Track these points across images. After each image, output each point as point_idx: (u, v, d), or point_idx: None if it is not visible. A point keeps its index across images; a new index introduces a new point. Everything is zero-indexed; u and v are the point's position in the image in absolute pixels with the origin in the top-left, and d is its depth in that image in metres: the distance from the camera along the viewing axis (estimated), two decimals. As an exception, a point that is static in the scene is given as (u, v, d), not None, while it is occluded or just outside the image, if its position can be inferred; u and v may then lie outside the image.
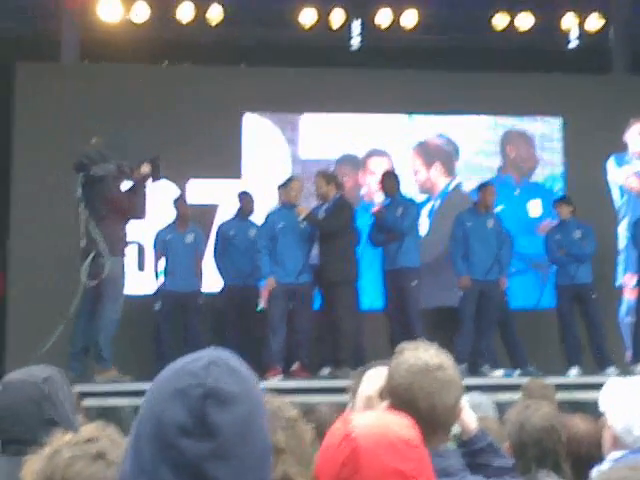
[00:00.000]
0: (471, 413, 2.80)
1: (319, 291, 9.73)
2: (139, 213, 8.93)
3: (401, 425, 1.96)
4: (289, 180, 9.89)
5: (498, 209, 10.66)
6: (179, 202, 10.16)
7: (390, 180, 10.10)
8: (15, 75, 10.78)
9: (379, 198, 10.56)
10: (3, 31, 10.85)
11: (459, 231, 10.04)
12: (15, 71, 10.79)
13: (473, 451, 2.76)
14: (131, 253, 9.14)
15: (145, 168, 8.88)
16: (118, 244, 8.70)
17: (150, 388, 1.52)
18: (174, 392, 1.46)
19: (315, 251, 9.58)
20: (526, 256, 11.13)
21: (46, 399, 3.12)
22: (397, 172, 10.46)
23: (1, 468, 3.03)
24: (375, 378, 2.80)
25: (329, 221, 9.47)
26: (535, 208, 11.44)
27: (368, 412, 2.40)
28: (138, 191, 8.86)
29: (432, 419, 2.50)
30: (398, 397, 2.53)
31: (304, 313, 9.52)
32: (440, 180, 11.47)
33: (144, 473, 1.45)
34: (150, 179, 8.96)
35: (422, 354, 2.63)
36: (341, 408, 6.61)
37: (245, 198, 10.21)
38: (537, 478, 3.48)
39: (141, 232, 9.61)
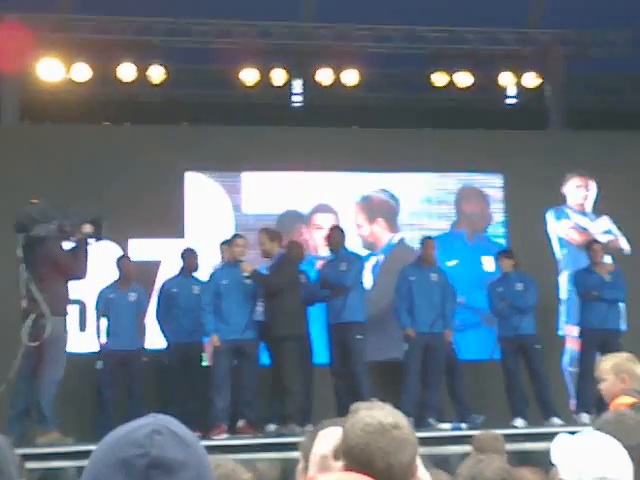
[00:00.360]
0: (425, 470, 2.80)
1: (266, 347, 9.70)
2: (80, 273, 8.83)
3: (364, 487, 1.96)
4: (233, 237, 9.89)
5: (452, 263, 10.79)
6: (122, 261, 10.11)
7: (336, 235, 10.15)
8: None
9: (324, 253, 10.60)
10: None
11: (403, 285, 10.12)
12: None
13: (428, 509, 2.75)
14: (73, 313, 9.04)
15: (87, 228, 8.81)
16: (60, 304, 8.60)
17: (92, 457, 1.48)
18: (117, 462, 1.42)
19: (261, 307, 9.56)
20: (480, 310, 11.21)
21: (-8, 466, 3.05)
22: (343, 227, 10.55)
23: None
24: (329, 437, 2.78)
25: (273, 278, 9.47)
26: (489, 263, 11.54)
27: (331, 473, 2.39)
28: (80, 251, 8.77)
29: (389, 478, 2.50)
30: (354, 457, 2.53)
31: (249, 369, 9.48)
32: (383, 235, 11.56)
33: None
34: (92, 239, 8.88)
35: (377, 413, 2.62)
36: (286, 465, 6.58)
37: (189, 255, 10.19)
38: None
39: (83, 291, 9.52)
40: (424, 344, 9.91)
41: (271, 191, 11.31)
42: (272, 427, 9.31)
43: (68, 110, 11.05)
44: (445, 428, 9.61)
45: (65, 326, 8.65)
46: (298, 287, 9.59)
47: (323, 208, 11.44)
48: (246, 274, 9.42)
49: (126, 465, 1.41)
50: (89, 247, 8.86)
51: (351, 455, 2.56)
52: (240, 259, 9.53)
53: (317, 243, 11.11)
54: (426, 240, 10.42)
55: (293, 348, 9.36)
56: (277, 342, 9.39)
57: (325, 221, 11.23)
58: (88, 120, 11.34)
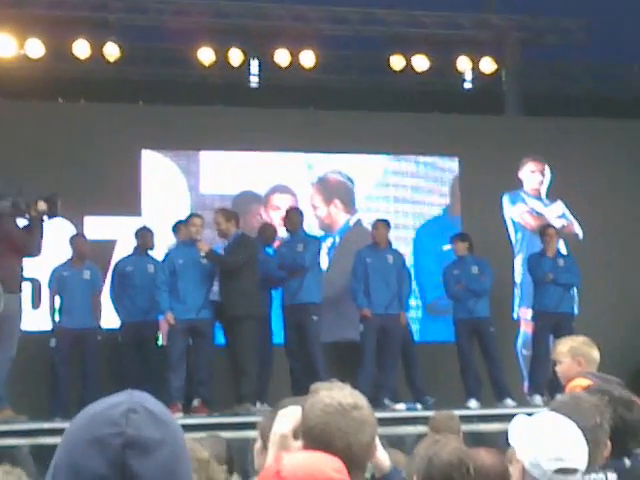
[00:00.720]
0: (384, 451, 2.82)
1: (221, 327, 9.71)
2: (34, 251, 8.78)
3: (332, 467, 2.00)
4: (190, 216, 9.87)
5: (447, 248, 10.83)
6: (75, 239, 10.05)
7: (294, 216, 10.17)
8: None
9: (283, 233, 10.59)
10: None
11: (359, 266, 10.17)
12: None
13: (387, 488, 2.78)
14: (26, 290, 8.98)
15: (41, 205, 8.74)
16: (13, 281, 8.54)
17: (67, 433, 1.45)
18: (92, 441, 1.40)
19: (216, 287, 9.56)
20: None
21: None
22: (301, 208, 10.57)
23: None
24: (289, 417, 2.79)
25: (230, 257, 9.47)
26: None
27: (297, 452, 2.41)
28: (34, 229, 8.72)
29: (348, 458, 2.51)
30: (314, 437, 2.54)
31: (205, 349, 9.49)
32: (340, 216, 11.60)
33: None
34: (47, 216, 8.82)
35: (336, 394, 2.63)
36: (239, 444, 6.59)
37: (144, 233, 10.14)
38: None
39: (37, 269, 9.45)
40: (380, 325, 9.97)
41: (228, 171, 11.29)
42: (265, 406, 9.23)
43: (21, 86, 10.91)
44: (400, 409, 9.71)
45: (19, 304, 8.60)
46: (255, 267, 9.60)
47: (281, 189, 11.45)
48: (202, 254, 9.41)
49: (100, 444, 1.39)
50: (44, 224, 8.81)
51: (310, 435, 2.58)
52: (197, 238, 9.51)
53: (275, 224, 11.11)
54: (377, 223, 10.47)
55: (249, 328, 9.38)
56: (233, 322, 9.40)
57: (283, 202, 11.25)
58: (42, 97, 11.21)
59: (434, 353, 10.94)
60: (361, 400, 2.65)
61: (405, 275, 10.34)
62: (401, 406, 9.78)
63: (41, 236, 8.73)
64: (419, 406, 9.84)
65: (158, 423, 1.44)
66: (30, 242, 8.64)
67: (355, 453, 2.56)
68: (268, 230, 10.47)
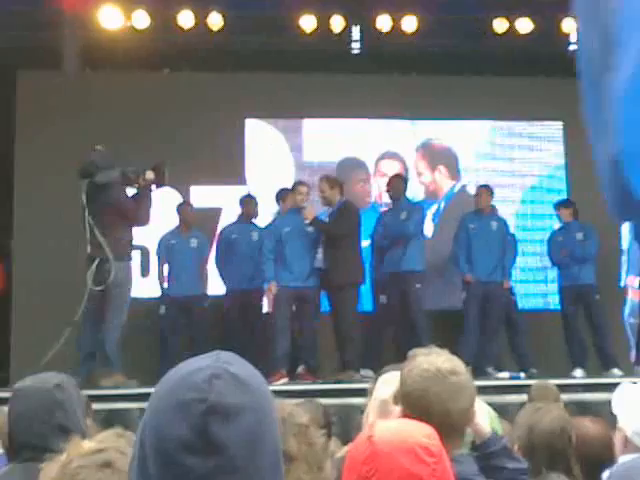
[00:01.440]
0: (484, 417, 2.83)
1: (326, 294, 9.76)
2: (144, 220, 8.95)
3: (422, 433, 2.03)
4: (296, 184, 9.91)
5: None
6: (182, 207, 10.22)
7: (397, 183, 10.13)
8: (16, 83, 10.82)
9: (387, 200, 10.55)
10: (5, 40, 10.87)
11: (463, 233, 10.12)
12: (16, 79, 10.83)
13: (487, 454, 2.79)
14: (136, 258, 9.19)
15: (149, 175, 8.90)
16: (124, 249, 8.73)
17: (152, 396, 1.48)
18: (175, 405, 1.41)
19: (320, 255, 9.60)
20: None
21: (58, 406, 3.16)
22: (406, 175, 10.54)
23: (18, 474, 3.07)
24: (389, 382, 2.82)
25: (335, 225, 9.49)
26: None
27: (390, 420, 2.44)
28: (143, 198, 8.88)
29: (446, 424, 2.53)
30: (412, 402, 2.56)
31: (310, 316, 9.55)
32: (445, 182, 11.52)
33: None
34: (154, 186, 8.99)
35: (435, 359, 2.65)
36: (342, 410, 6.62)
37: (248, 201, 10.25)
38: (548, 480, 3.50)
39: (145, 237, 9.65)
40: (482, 292, 9.90)
41: (330, 138, 11.30)
42: (369, 372, 9.26)
43: (128, 57, 11.10)
44: (503, 377, 9.64)
45: (129, 271, 8.80)
46: (358, 235, 9.61)
47: (389, 155, 11.41)
48: (307, 221, 9.45)
49: (183, 408, 1.41)
50: (152, 193, 8.97)
51: (409, 400, 2.60)
52: (303, 206, 9.55)
53: (382, 190, 11.05)
54: (480, 189, 10.37)
55: (353, 295, 9.41)
56: (337, 289, 9.44)
57: (391, 168, 11.21)
58: (148, 67, 11.39)
59: (536, 321, 10.81)
60: (459, 365, 2.66)
61: (509, 242, 10.23)
62: (504, 374, 9.71)
63: (149, 205, 8.89)
64: (523, 375, 9.75)
65: (242, 388, 1.43)
66: (139, 211, 8.81)
67: (453, 418, 2.57)
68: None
